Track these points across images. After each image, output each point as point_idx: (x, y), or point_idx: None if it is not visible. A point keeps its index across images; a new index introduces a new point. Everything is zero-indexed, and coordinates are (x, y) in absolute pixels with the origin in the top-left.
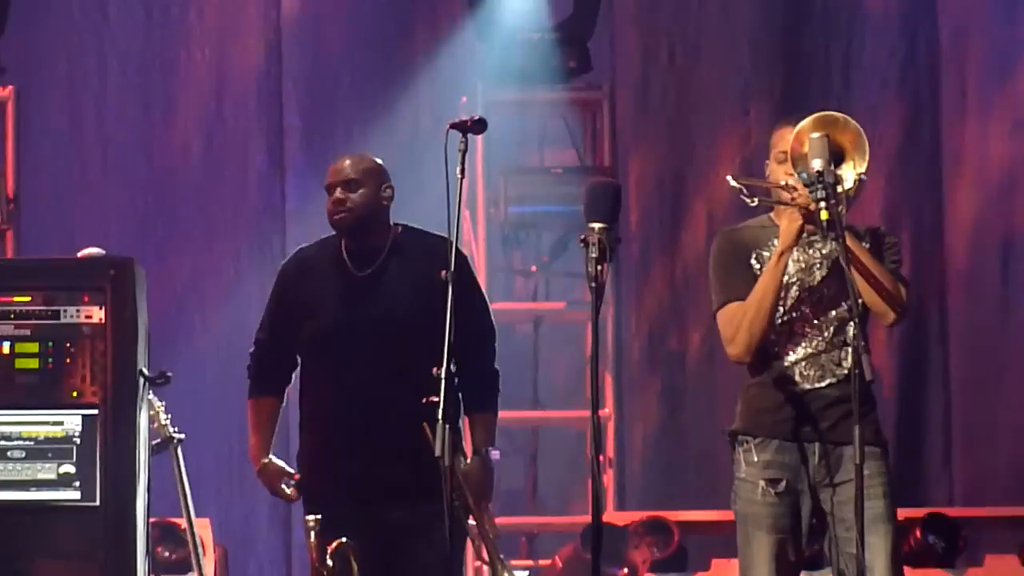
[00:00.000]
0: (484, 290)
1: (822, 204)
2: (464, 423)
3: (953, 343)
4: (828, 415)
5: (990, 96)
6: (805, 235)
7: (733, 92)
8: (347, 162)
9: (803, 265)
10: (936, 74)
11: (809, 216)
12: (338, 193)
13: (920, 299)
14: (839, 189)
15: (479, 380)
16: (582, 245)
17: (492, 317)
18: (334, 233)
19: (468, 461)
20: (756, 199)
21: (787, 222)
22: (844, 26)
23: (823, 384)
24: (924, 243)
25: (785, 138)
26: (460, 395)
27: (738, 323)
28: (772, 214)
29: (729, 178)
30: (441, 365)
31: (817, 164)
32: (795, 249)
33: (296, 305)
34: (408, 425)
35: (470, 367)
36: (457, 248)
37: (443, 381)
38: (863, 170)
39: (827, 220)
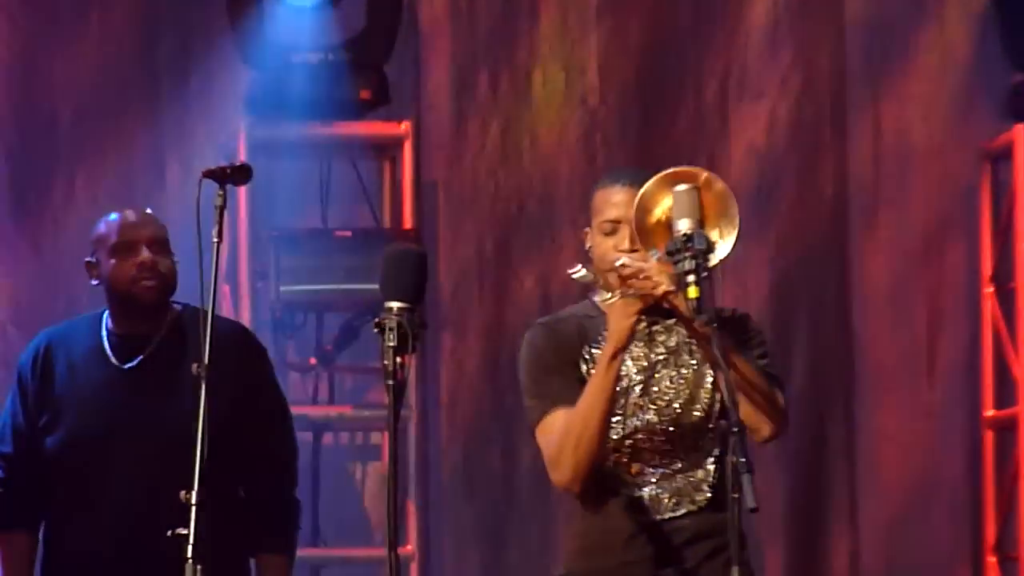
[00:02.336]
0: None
1: (690, 279)
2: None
3: (862, 460)
4: (688, 555)
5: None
6: (643, 325)
7: (576, 132)
8: (143, 215)
9: (644, 363)
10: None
11: (653, 302)
12: (145, 254)
13: (816, 402)
14: (712, 259)
15: (272, 512)
16: (377, 331)
17: (294, 430)
18: (93, 313)
19: None
20: (616, 294)
21: (619, 316)
22: (722, 50)
23: (680, 513)
24: (823, 326)
25: (614, 201)
26: (248, 529)
27: (562, 441)
28: (599, 298)
29: (573, 271)
30: (191, 488)
31: (684, 225)
32: (633, 345)
33: (42, 409)
34: (176, 566)
35: (262, 494)
36: (250, 335)
37: (193, 510)
38: (732, 241)
39: (697, 300)
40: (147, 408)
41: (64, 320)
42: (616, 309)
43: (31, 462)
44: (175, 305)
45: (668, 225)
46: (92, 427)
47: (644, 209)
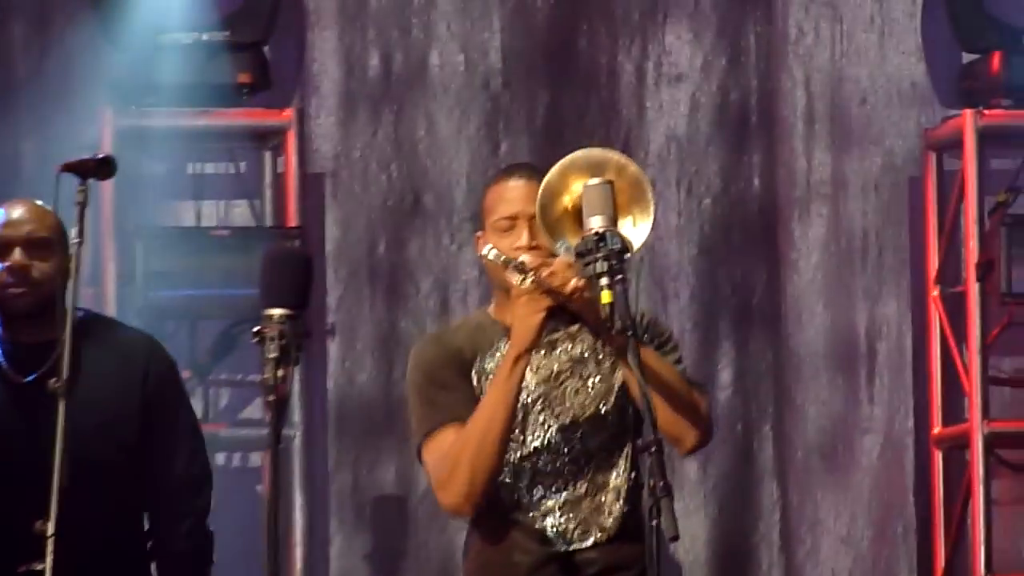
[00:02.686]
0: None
1: (603, 282)
2: None
3: (795, 481)
4: None
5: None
6: (547, 331)
7: (477, 119)
8: (27, 211)
9: (545, 374)
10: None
11: (559, 304)
12: (17, 256)
13: (744, 416)
14: (627, 256)
15: (182, 545)
16: (256, 341)
17: (206, 452)
18: None
19: None
20: (527, 277)
21: (524, 313)
22: (638, 27)
23: (588, 543)
24: (750, 332)
25: (510, 197)
26: (155, 564)
27: (454, 459)
28: (492, 308)
29: (489, 252)
30: (48, 518)
31: (597, 223)
32: (534, 354)
33: None
34: None
35: (170, 526)
36: (157, 345)
37: (48, 540)
38: (648, 228)
39: (611, 306)
40: (48, 425)
41: None
42: (520, 306)
43: None
44: (77, 312)
45: (576, 216)
46: None
47: (549, 198)
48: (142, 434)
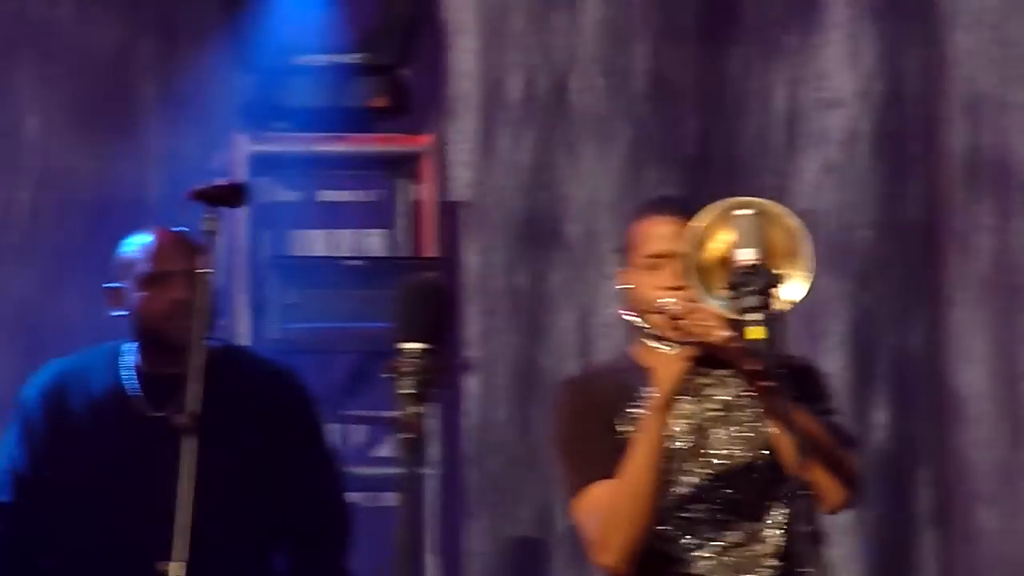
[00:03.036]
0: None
1: (752, 318)
2: None
3: (956, 529)
4: None
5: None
6: (691, 376)
7: (622, 145)
8: (187, 242)
9: (695, 422)
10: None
11: (705, 352)
12: (181, 289)
13: (900, 461)
14: (777, 303)
15: None
16: (390, 376)
17: (344, 487)
18: (109, 344)
19: None
20: (672, 345)
21: (667, 362)
22: (793, 52)
23: None
24: (909, 374)
25: (659, 233)
26: None
27: (607, 516)
28: (633, 350)
29: (624, 313)
30: (181, 558)
31: (747, 255)
32: (681, 401)
33: (53, 454)
34: None
35: (308, 565)
36: (295, 376)
37: None
38: (806, 286)
39: (760, 343)
40: (178, 462)
41: (73, 352)
42: (663, 356)
43: (33, 515)
44: (212, 342)
45: (725, 264)
46: (115, 480)
47: (698, 243)
48: (277, 469)
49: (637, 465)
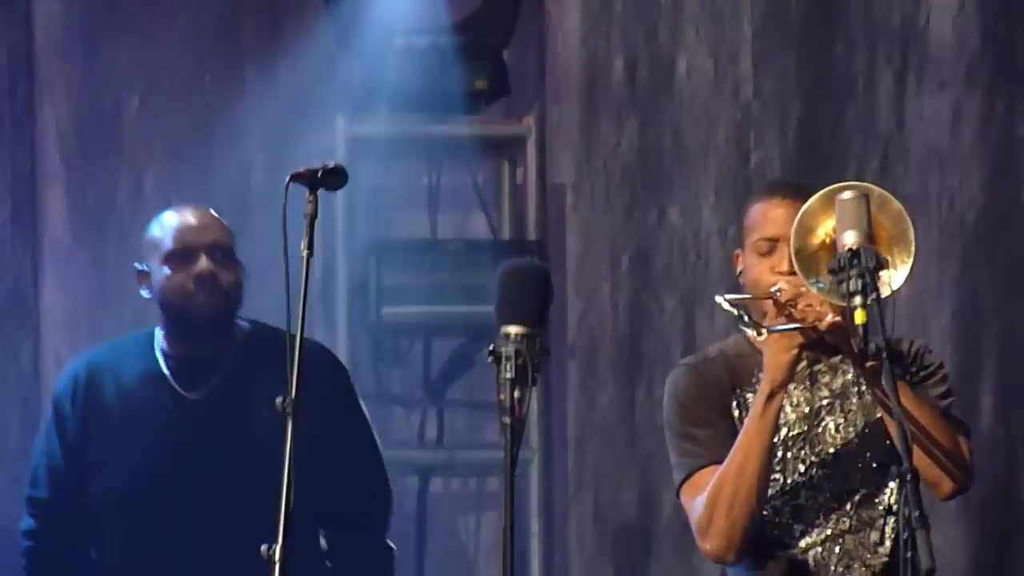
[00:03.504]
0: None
1: (857, 301)
2: None
3: None
4: None
5: None
6: (803, 365)
7: (726, 129)
8: (208, 217)
9: (806, 410)
10: None
11: (816, 337)
12: (204, 264)
13: (1007, 446)
14: (882, 286)
15: (364, 561)
16: (492, 360)
17: (384, 466)
18: (142, 332)
19: None
20: (763, 331)
21: (776, 350)
22: (898, 33)
23: None
24: (1016, 358)
25: (772, 217)
26: None
27: (712, 502)
28: (751, 333)
29: (720, 299)
30: (270, 539)
31: (850, 238)
32: (793, 388)
33: (86, 446)
34: None
35: (350, 542)
36: (332, 358)
37: (276, 566)
38: (908, 269)
39: (864, 327)
40: (217, 445)
41: (104, 341)
42: (774, 342)
43: (72, 509)
44: (241, 323)
45: (832, 249)
46: (153, 467)
47: (805, 230)
48: (317, 450)
49: (747, 451)
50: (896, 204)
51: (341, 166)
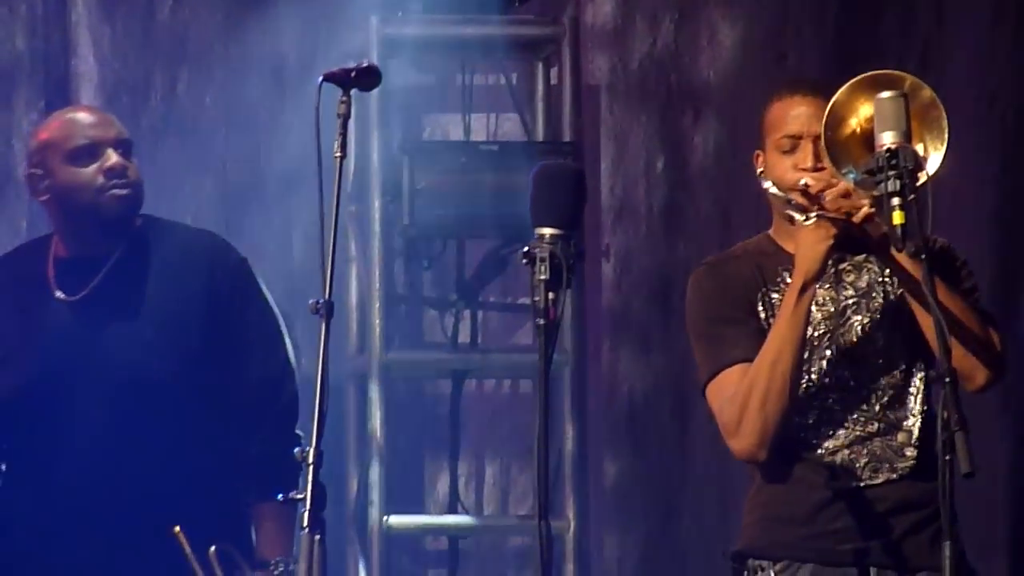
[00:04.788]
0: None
1: (895, 202)
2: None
3: None
4: (889, 527)
5: None
6: (831, 261)
7: (762, 28)
8: (107, 115)
9: (832, 309)
10: None
11: (847, 230)
12: (114, 158)
13: None
14: (921, 178)
15: (269, 453)
16: (526, 262)
17: (285, 351)
18: (37, 239)
19: None
20: (812, 215)
21: (811, 241)
22: None
23: (879, 481)
24: None
25: (795, 114)
26: (241, 478)
27: (742, 402)
28: (772, 231)
29: (768, 184)
30: (310, 443)
31: (889, 138)
32: (818, 287)
33: None
34: (147, 532)
35: (254, 434)
36: (223, 242)
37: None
38: (940, 157)
39: (902, 227)
40: (105, 344)
41: (4, 250)
42: (806, 235)
43: None
44: (137, 219)
45: (863, 140)
46: (42, 373)
47: (835, 121)
48: (211, 339)
49: (780, 346)
50: (928, 90)
51: (375, 66)
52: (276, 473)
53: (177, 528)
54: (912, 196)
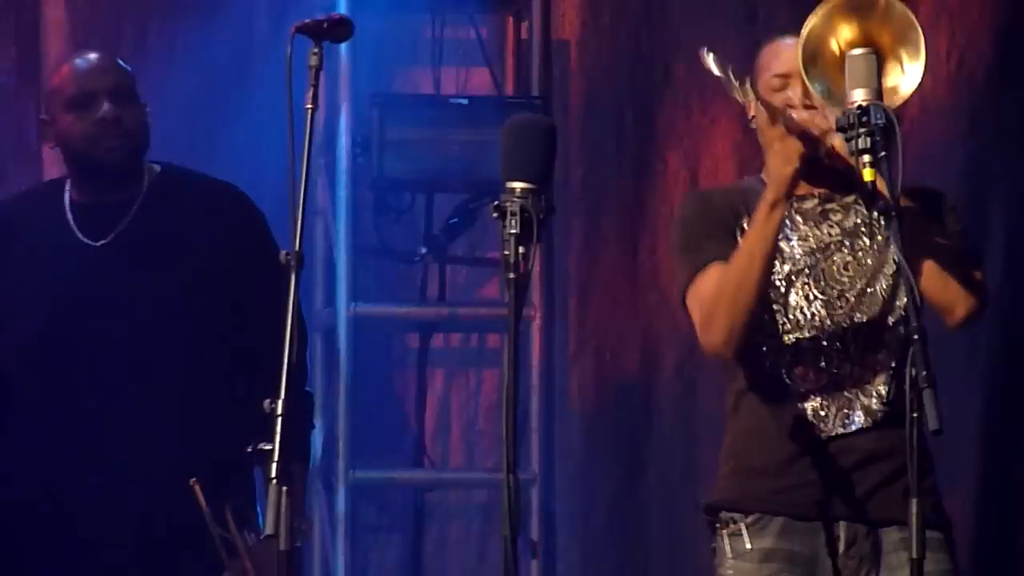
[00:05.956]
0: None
1: (866, 159)
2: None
3: None
4: (861, 479)
5: None
6: (816, 202)
7: None
8: (106, 60)
9: (813, 245)
10: None
11: (816, 154)
12: (106, 108)
13: (1016, 304)
14: (893, 123)
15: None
16: (496, 216)
17: (299, 308)
18: (52, 181)
19: (261, 537)
20: (748, 89)
21: (779, 162)
22: None
23: (851, 430)
24: None
25: (785, 56)
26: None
27: (714, 299)
28: (763, 173)
29: (704, 53)
30: (278, 395)
31: (859, 95)
32: (802, 224)
33: None
34: (168, 479)
35: (266, 388)
36: (242, 195)
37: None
38: (919, 72)
39: (872, 184)
40: (127, 291)
41: (15, 192)
42: (776, 153)
43: None
44: (153, 165)
45: (841, 63)
46: (61, 319)
47: (814, 44)
48: (229, 290)
49: (750, 256)
50: (900, 6)
51: (347, 17)
52: (302, 427)
53: (193, 480)
54: (883, 153)
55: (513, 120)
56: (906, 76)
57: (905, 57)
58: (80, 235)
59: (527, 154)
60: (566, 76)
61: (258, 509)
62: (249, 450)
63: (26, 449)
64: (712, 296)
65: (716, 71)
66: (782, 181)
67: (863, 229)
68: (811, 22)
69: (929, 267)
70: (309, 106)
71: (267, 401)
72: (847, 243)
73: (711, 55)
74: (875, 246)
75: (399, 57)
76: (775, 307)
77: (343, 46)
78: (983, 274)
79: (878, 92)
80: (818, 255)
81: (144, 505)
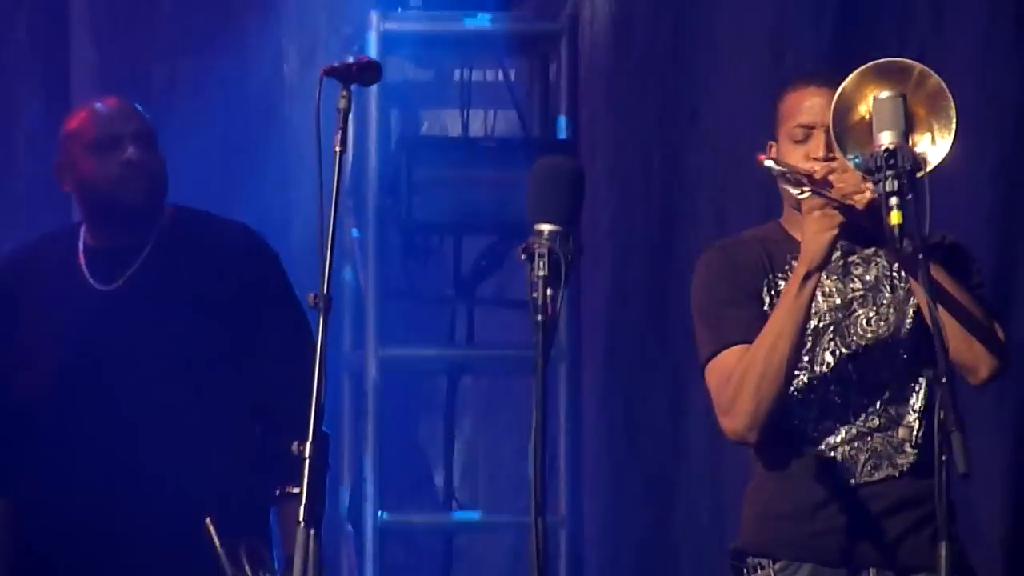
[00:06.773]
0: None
1: (893, 202)
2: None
3: None
4: (889, 526)
5: None
6: (838, 255)
7: (760, 28)
8: (128, 106)
9: (838, 301)
10: None
11: (852, 219)
12: (131, 151)
13: None
14: (919, 175)
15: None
16: (524, 258)
17: (315, 350)
18: (66, 226)
19: None
20: (806, 190)
21: (816, 229)
22: None
23: (877, 478)
24: None
25: (808, 104)
26: (266, 473)
27: (738, 382)
28: (783, 219)
29: (768, 162)
30: (306, 439)
31: (887, 138)
32: (825, 279)
33: (7, 347)
34: (183, 519)
35: (282, 430)
36: (257, 237)
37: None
38: (948, 145)
39: (899, 227)
40: (139, 335)
41: (30, 237)
42: (811, 223)
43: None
44: (166, 210)
45: (869, 127)
46: (74, 364)
47: (844, 108)
48: (242, 330)
49: (780, 331)
50: (935, 78)
51: (376, 61)
52: (311, 468)
53: (208, 519)
54: (909, 196)
55: (541, 162)
56: (936, 148)
57: (936, 128)
58: (92, 280)
59: (555, 196)
60: (594, 118)
61: (272, 550)
62: (278, 493)
63: (43, 491)
64: (735, 380)
65: (777, 169)
66: (818, 250)
67: (884, 283)
68: (845, 84)
69: (953, 326)
70: (338, 148)
71: (295, 444)
72: (871, 297)
73: (770, 161)
74: (896, 298)
75: (427, 99)
76: (802, 362)
77: (372, 88)
78: (1003, 331)
79: (905, 135)
80: (843, 310)
81: (159, 544)
